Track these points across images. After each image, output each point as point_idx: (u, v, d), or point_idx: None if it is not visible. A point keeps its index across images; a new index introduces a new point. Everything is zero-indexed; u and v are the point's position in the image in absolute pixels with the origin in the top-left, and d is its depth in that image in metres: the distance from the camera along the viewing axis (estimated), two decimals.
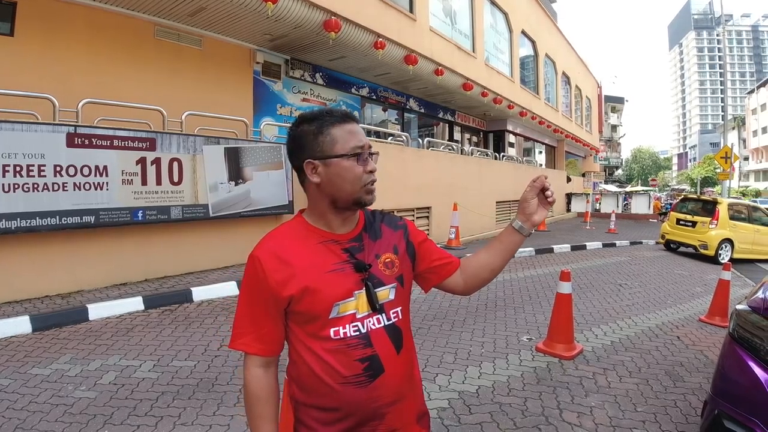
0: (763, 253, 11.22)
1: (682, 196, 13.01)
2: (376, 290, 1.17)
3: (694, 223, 10.85)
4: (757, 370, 2.13)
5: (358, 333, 1.13)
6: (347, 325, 1.13)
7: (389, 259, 1.23)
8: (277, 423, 1.18)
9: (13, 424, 2.70)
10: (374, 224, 1.28)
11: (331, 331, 1.12)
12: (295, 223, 1.22)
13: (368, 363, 1.12)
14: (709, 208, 10.87)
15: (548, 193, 1.28)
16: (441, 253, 1.36)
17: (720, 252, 10.28)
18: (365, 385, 1.12)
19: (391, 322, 1.19)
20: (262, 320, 1.15)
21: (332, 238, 1.18)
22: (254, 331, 1.16)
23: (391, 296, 1.21)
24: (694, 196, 12.42)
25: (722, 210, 10.57)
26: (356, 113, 10.84)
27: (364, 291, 1.15)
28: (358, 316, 1.14)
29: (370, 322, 1.15)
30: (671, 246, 11.62)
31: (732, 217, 10.68)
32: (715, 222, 10.43)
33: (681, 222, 11.25)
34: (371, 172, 1.17)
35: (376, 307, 1.16)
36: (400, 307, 1.23)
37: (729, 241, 10.43)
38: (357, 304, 1.14)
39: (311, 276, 1.12)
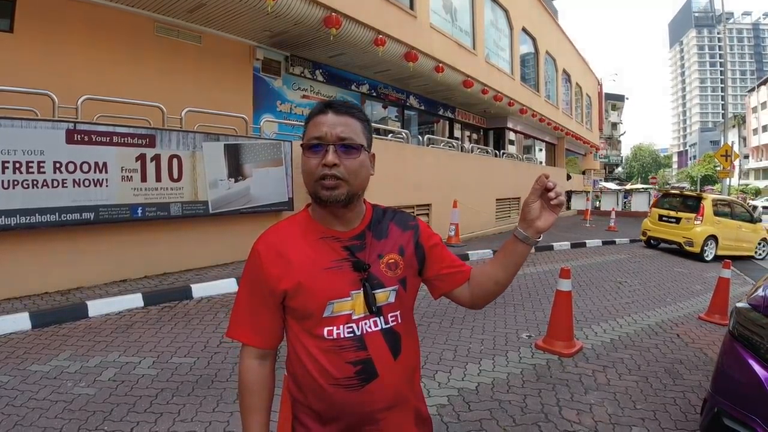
0: (744, 249, 11.12)
1: (663, 192, 12.78)
2: (374, 292, 1.13)
3: (678, 220, 10.62)
4: (757, 368, 2.13)
5: (352, 335, 1.10)
6: (341, 326, 1.10)
7: (393, 260, 1.18)
8: (268, 415, 1.17)
9: (12, 421, 2.70)
10: (382, 222, 1.22)
11: (325, 330, 1.10)
12: (300, 218, 1.21)
13: (361, 367, 1.09)
14: (692, 204, 10.65)
15: (551, 194, 1.10)
16: (452, 260, 1.27)
17: (705, 249, 10.09)
18: (357, 389, 1.09)
19: (389, 325, 1.15)
20: (259, 312, 1.15)
21: (333, 234, 1.15)
22: (251, 323, 1.15)
23: (391, 299, 1.16)
24: (677, 192, 12.10)
25: (707, 206, 10.35)
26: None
27: (361, 291, 1.12)
28: (354, 318, 1.11)
29: (366, 324, 1.12)
30: (652, 243, 11.46)
31: (716, 213, 10.48)
32: (701, 218, 10.20)
33: (664, 218, 10.99)
34: (326, 165, 1.07)
35: (372, 309, 1.12)
36: (400, 311, 1.18)
37: (714, 237, 10.26)
38: (353, 304, 1.11)
39: (307, 272, 1.10)
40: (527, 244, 1.15)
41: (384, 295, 1.15)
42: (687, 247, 10.19)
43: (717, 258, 9.94)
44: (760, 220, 12.02)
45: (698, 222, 10.24)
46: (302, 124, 1.21)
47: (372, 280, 1.13)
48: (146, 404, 2.96)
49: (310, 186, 1.11)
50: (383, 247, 1.19)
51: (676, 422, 3.02)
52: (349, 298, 1.11)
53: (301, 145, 1.12)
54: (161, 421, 2.77)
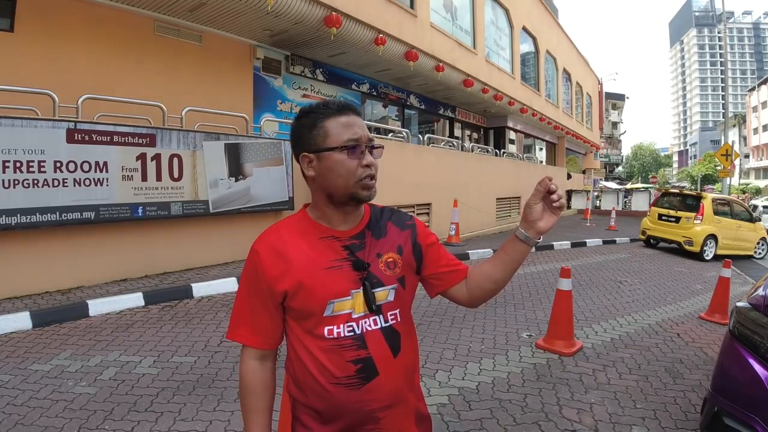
0: (743, 249, 11.10)
1: (663, 191, 12.74)
2: (374, 290, 1.13)
3: (677, 219, 10.57)
4: (757, 368, 2.13)
5: (352, 333, 1.11)
6: (342, 325, 1.11)
7: (391, 259, 1.19)
8: (270, 415, 1.18)
9: (13, 420, 2.70)
10: (380, 222, 1.23)
11: (326, 329, 1.10)
12: (298, 218, 1.21)
13: (361, 365, 1.10)
14: (692, 204, 10.60)
15: (554, 197, 1.14)
16: (449, 259, 1.28)
17: (705, 248, 10.05)
18: (357, 387, 1.10)
19: (388, 324, 1.15)
20: (259, 313, 1.15)
21: (333, 234, 1.16)
22: (251, 324, 1.15)
23: (390, 297, 1.17)
24: (677, 191, 12.03)
25: (707, 205, 10.31)
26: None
27: (361, 290, 1.12)
28: (354, 316, 1.12)
29: (366, 323, 1.12)
30: (651, 242, 11.43)
31: (716, 213, 10.43)
32: (700, 217, 10.15)
33: (663, 217, 10.95)
34: (367, 166, 1.11)
35: (372, 308, 1.13)
36: (399, 309, 1.18)
37: (713, 236, 10.21)
38: (353, 303, 1.12)
39: (307, 272, 1.10)
40: (527, 245, 1.18)
41: (383, 294, 1.16)
42: (687, 247, 10.14)
43: (716, 257, 9.94)
44: (759, 220, 12.01)
45: (698, 221, 10.18)
46: None
47: (371, 279, 1.14)
48: (147, 403, 2.96)
49: (347, 187, 1.11)
50: (382, 246, 1.19)
51: (676, 421, 3.02)
52: (350, 297, 1.12)
53: (337, 147, 1.09)
54: (162, 420, 2.77)
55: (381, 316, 1.15)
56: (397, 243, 1.22)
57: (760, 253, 11.55)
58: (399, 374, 1.16)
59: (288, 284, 1.10)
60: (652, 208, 11.64)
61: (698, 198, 10.69)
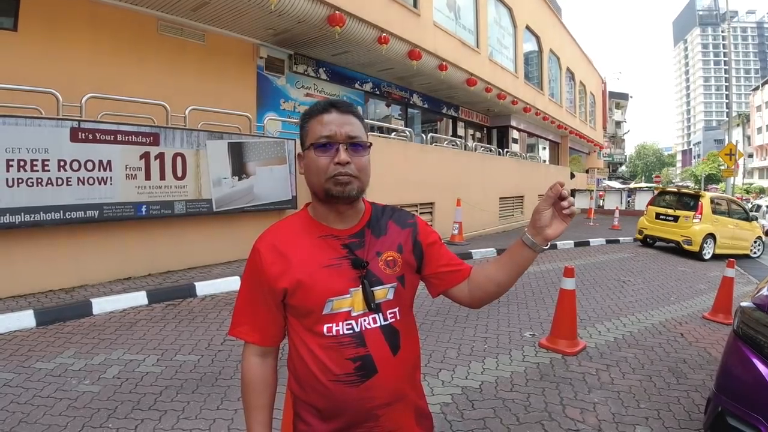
0: (740, 248, 11.05)
1: (660, 190, 12.56)
2: (373, 289, 1.13)
3: (676, 218, 10.49)
4: (761, 367, 2.12)
5: (351, 331, 1.11)
6: (341, 323, 1.11)
7: (391, 258, 1.19)
8: (271, 412, 1.19)
9: (17, 418, 2.71)
10: (381, 220, 1.23)
11: (325, 327, 1.11)
12: (299, 217, 1.22)
13: (360, 363, 1.10)
14: (689, 203, 10.54)
15: (564, 203, 1.09)
16: (451, 258, 1.27)
17: (704, 248, 9.99)
18: (357, 384, 1.10)
19: (387, 322, 1.15)
20: (260, 310, 1.16)
21: (332, 232, 1.17)
22: (252, 321, 1.17)
23: (390, 296, 1.17)
24: (674, 190, 11.94)
25: (705, 204, 10.26)
26: (359, 108, 10.85)
27: (360, 289, 1.13)
28: (353, 314, 1.12)
29: (365, 321, 1.13)
30: (648, 241, 11.36)
31: (714, 211, 10.38)
32: (699, 216, 10.09)
33: (661, 216, 10.87)
34: (339, 163, 1.09)
35: (371, 306, 1.13)
36: (398, 308, 1.18)
37: (712, 236, 10.15)
38: (352, 301, 1.12)
39: (306, 270, 1.11)
40: (533, 251, 1.15)
41: (382, 292, 1.16)
42: (685, 246, 10.07)
43: (715, 257, 9.91)
44: (756, 219, 11.98)
45: (697, 220, 10.12)
46: None
47: (371, 278, 1.14)
48: (150, 401, 2.97)
49: (319, 185, 1.11)
50: (382, 244, 1.20)
51: (679, 421, 3.01)
52: (348, 296, 1.12)
53: (311, 144, 1.12)
54: (165, 418, 2.78)
55: (380, 314, 1.15)
56: (397, 242, 1.22)
57: (755, 252, 11.53)
58: (398, 372, 1.16)
59: (287, 282, 1.11)
60: (649, 207, 11.54)
61: (696, 197, 10.63)
